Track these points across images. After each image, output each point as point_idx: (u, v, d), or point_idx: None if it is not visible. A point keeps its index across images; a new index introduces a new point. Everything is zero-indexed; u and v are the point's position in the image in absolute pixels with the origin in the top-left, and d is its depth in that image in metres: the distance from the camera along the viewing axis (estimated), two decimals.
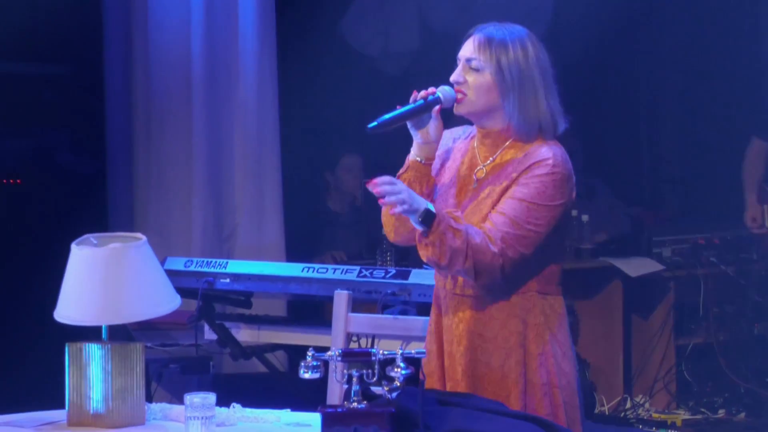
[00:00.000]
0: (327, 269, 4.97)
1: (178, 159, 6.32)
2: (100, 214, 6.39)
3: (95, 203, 6.48)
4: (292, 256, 6.28)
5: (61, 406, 3.37)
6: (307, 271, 4.97)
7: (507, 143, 3.40)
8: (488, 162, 3.41)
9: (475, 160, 3.44)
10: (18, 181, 6.78)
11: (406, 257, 5.94)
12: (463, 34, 3.46)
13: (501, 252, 3.25)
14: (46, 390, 3.84)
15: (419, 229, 3.26)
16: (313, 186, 7.16)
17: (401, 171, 3.47)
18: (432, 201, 3.38)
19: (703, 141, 7.88)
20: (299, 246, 6.56)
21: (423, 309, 4.68)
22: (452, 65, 3.46)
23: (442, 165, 3.50)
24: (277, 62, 6.44)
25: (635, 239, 6.81)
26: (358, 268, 4.92)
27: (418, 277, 4.73)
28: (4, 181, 6.76)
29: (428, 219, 3.23)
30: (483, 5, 7.13)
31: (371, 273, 4.85)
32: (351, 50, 7.68)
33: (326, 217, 6.98)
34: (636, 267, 6.60)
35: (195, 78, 6.27)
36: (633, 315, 6.79)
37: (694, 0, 7.71)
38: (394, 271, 4.82)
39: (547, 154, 3.34)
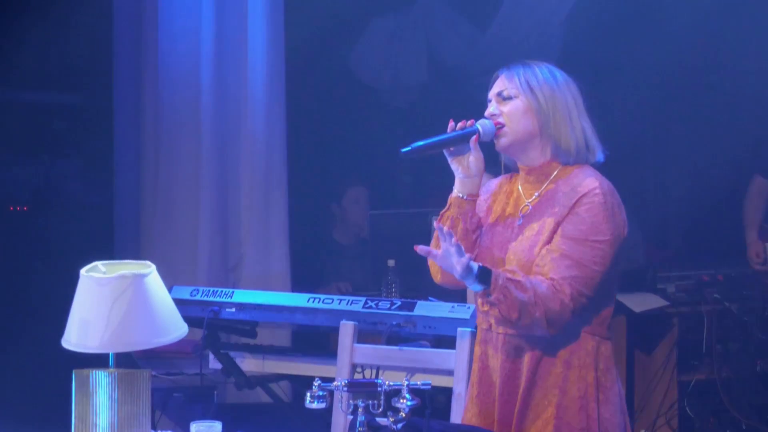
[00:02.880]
0: (332, 300, 4.98)
1: (185, 189, 6.34)
2: (106, 243, 6.42)
3: (102, 232, 6.50)
4: (297, 287, 6.29)
5: None
6: (313, 302, 4.98)
7: (551, 177, 3.37)
8: (533, 198, 3.39)
9: (520, 198, 3.42)
10: (24, 208, 6.81)
11: (412, 289, 5.95)
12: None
13: (571, 298, 3.21)
14: (52, 416, 3.86)
15: (478, 290, 3.22)
16: (319, 217, 7.18)
17: (444, 210, 3.43)
18: (477, 239, 3.37)
19: (708, 179, 7.90)
20: (305, 277, 6.57)
21: (438, 343, 4.69)
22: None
23: (489, 208, 3.47)
24: (285, 95, 6.47)
25: (640, 275, 6.82)
26: (363, 299, 4.92)
27: (423, 309, 4.74)
28: (11, 208, 6.79)
29: (485, 277, 3.19)
30: (491, 40, 7.17)
31: (377, 304, 4.85)
32: (359, 83, 7.72)
33: (332, 248, 7.00)
34: (640, 302, 6.60)
35: (204, 109, 6.30)
36: (636, 350, 6.79)
37: (699, 36, 7.75)
38: (399, 303, 4.82)
39: (593, 183, 3.31)
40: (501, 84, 3.40)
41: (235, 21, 6.34)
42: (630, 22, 7.50)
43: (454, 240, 3.16)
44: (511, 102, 3.37)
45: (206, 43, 6.28)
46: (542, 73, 3.38)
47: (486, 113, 3.40)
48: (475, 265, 3.18)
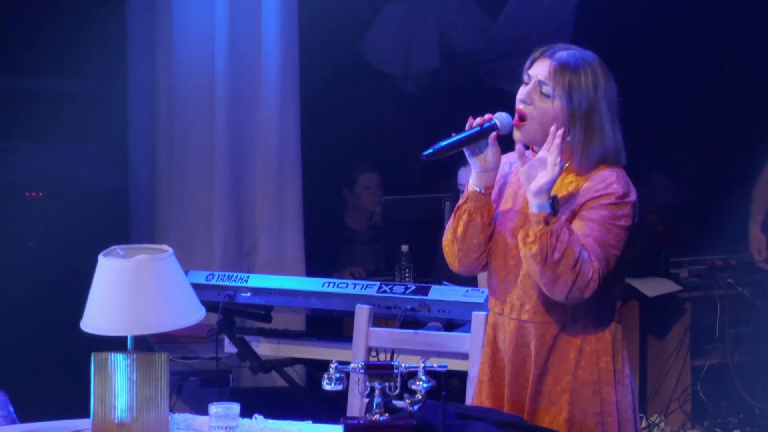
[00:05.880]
0: (347, 284, 5.00)
1: (200, 175, 6.37)
2: (122, 229, 6.44)
3: (117, 218, 6.53)
4: (311, 273, 6.31)
5: (87, 415, 3.40)
6: (328, 286, 5.00)
7: (565, 166, 3.31)
8: None
9: None
10: (40, 194, 6.83)
11: (425, 275, 5.98)
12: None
13: (598, 275, 3.22)
14: (71, 399, 3.89)
15: (545, 211, 3.20)
16: (333, 203, 7.21)
17: (460, 202, 3.40)
18: (493, 230, 3.37)
19: (721, 163, 7.91)
20: (318, 262, 6.60)
21: (450, 327, 4.72)
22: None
23: (500, 190, 3.45)
24: (299, 81, 6.49)
25: (653, 260, 6.82)
26: (378, 283, 4.95)
27: (437, 293, 4.77)
28: (27, 194, 6.81)
29: (554, 204, 3.22)
30: (502, 26, 7.17)
31: (391, 288, 4.87)
32: (371, 69, 7.73)
33: (345, 233, 7.02)
34: (653, 287, 6.61)
35: (218, 95, 6.32)
36: (649, 335, 6.80)
37: (711, 24, 7.75)
38: (413, 287, 4.85)
39: (610, 176, 3.29)
40: (547, 75, 3.31)
41: (249, 7, 6.36)
42: (641, 7, 7.50)
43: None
44: (547, 101, 3.30)
45: (220, 30, 6.30)
46: (586, 79, 3.29)
47: (519, 95, 3.34)
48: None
